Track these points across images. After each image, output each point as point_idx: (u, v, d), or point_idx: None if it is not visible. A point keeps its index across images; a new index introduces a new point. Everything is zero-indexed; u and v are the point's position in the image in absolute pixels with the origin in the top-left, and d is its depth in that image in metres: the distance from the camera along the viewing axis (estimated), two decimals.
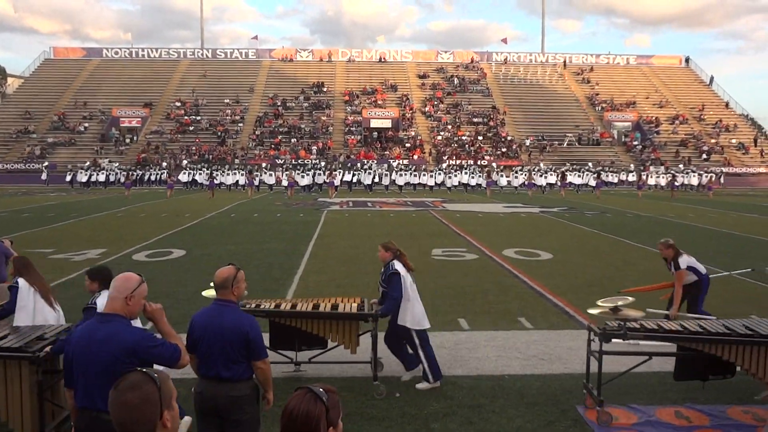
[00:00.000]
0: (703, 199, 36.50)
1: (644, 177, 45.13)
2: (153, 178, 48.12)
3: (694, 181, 46.62)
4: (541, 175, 45.36)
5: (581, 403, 5.87)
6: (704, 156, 55.13)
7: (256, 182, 42.16)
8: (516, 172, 46.63)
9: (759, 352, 5.36)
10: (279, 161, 50.54)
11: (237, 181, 44.95)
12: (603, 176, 45.20)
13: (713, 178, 42.47)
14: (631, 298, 5.98)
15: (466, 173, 46.25)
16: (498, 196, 37.66)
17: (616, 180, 48.41)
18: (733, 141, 57.91)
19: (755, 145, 57.53)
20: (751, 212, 26.85)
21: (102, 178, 46.49)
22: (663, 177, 46.83)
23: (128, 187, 37.16)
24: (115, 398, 2.08)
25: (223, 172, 45.56)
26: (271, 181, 44.97)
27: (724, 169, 52.22)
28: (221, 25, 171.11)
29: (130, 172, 44.47)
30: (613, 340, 5.60)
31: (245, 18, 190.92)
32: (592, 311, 5.85)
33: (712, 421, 5.49)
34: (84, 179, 45.84)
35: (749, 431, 5.27)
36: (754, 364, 5.38)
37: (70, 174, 46.48)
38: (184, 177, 45.70)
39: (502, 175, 46.38)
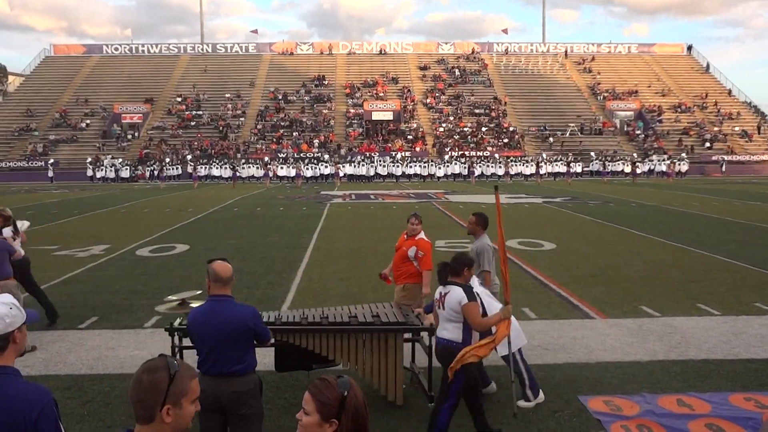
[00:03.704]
0: (663, 183, 41.80)
1: (607, 165, 49.35)
2: (174, 173, 49.26)
3: (663, 168, 49.42)
4: (524, 165, 49.83)
5: (586, 392, 5.90)
6: (707, 144, 54.98)
7: (271, 174, 46.23)
8: (500, 163, 50.32)
9: (328, 338, 5.50)
10: (281, 155, 51.04)
11: (253, 174, 48.38)
12: (572, 165, 49.13)
13: (673, 165, 47.45)
14: (199, 291, 5.94)
15: (455, 164, 49.58)
16: (484, 185, 40.55)
17: (604, 168, 50.46)
18: (737, 129, 57.70)
19: (759, 133, 57.30)
20: (716, 196, 26.81)
21: (126, 174, 49.01)
22: (627, 164, 50.54)
23: (163, 180, 43.98)
24: (135, 375, 2.16)
25: (242, 165, 48.93)
26: (283, 173, 48.21)
27: (726, 157, 52.14)
28: (218, 19, 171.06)
29: (164, 167, 47.91)
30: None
31: (241, 12, 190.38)
32: (161, 308, 5.74)
33: (714, 408, 5.50)
34: (112, 175, 48.67)
35: (751, 418, 5.28)
36: (325, 349, 5.51)
37: (101, 170, 48.79)
38: (202, 171, 48.15)
39: (489, 166, 49.75)
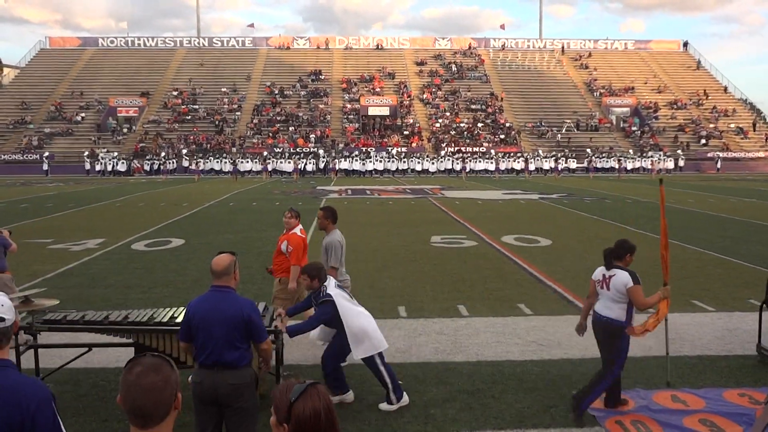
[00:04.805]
0: (647, 178, 43.73)
1: (593, 162, 50.44)
2: (170, 167, 49.07)
3: (647, 164, 51.00)
4: (514, 161, 50.94)
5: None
6: (702, 141, 55.09)
7: (269, 168, 47.46)
8: (491, 159, 51.12)
9: (154, 336, 5.31)
10: (277, 149, 50.98)
11: (251, 168, 48.95)
12: (560, 161, 50.38)
13: (655, 162, 50.09)
14: (44, 289, 5.78)
15: (448, 160, 50.17)
16: (478, 180, 40.80)
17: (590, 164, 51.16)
18: (732, 126, 57.82)
19: (754, 130, 57.44)
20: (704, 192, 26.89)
21: (123, 167, 48.98)
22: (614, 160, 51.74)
23: (165, 174, 45.66)
24: (136, 381, 1.97)
25: (240, 160, 49.45)
26: (282, 167, 48.72)
27: (721, 154, 52.28)
28: (213, 13, 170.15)
29: (166, 161, 48.50)
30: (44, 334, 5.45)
31: (237, 6, 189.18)
32: None
33: (708, 404, 5.53)
34: (110, 168, 48.80)
35: (745, 414, 5.30)
36: (155, 344, 5.30)
37: (100, 163, 48.87)
38: (202, 165, 48.55)
39: (479, 161, 50.39)
